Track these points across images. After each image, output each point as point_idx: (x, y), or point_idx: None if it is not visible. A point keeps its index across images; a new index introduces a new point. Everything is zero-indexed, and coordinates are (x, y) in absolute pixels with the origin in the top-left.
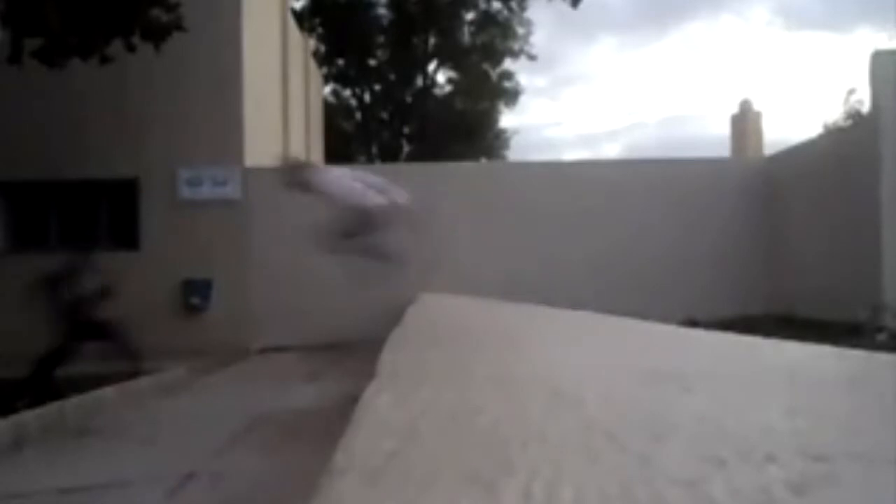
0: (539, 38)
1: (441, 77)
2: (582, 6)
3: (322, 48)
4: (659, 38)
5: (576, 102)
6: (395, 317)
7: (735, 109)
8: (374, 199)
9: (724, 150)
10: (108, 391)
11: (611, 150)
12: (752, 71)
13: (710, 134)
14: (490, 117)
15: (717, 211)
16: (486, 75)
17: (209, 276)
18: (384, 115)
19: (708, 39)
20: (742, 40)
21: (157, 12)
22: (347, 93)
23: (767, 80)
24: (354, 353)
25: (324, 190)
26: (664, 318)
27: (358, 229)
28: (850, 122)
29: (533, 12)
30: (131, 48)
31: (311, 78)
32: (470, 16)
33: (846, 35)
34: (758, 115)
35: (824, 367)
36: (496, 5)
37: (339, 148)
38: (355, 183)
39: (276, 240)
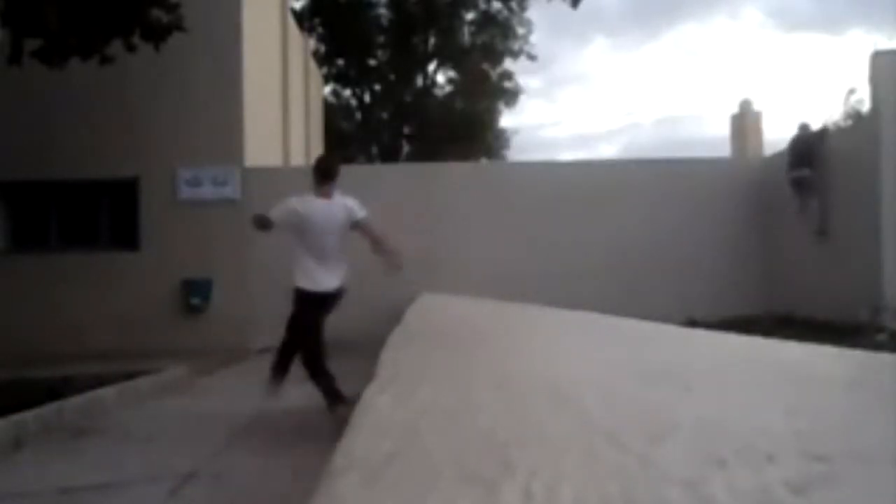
0: (534, 40)
1: (441, 77)
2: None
3: (322, 48)
4: (653, 39)
5: (572, 103)
6: (395, 317)
7: (731, 110)
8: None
9: (720, 151)
10: (108, 391)
11: (607, 151)
12: (747, 72)
13: (707, 134)
14: (490, 117)
15: (717, 211)
16: (486, 75)
17: (209, 276)
18: (384, 115)
19: (701, 41)
20: (736, 41)
21: (157, 12)
22: (347, 93)
23: (762, 80)
24: (354, 353)
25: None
26: (664, 318)
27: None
28: (850, 122)
29: (529, 13)
30: (131, 48)
31: (311, 78)
32: (470, 16)
33: (839, 36)
34: (758, 115)
35: (824, 367)
36: (496, 5)
37: (339, 148)
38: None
39: (276, 240)
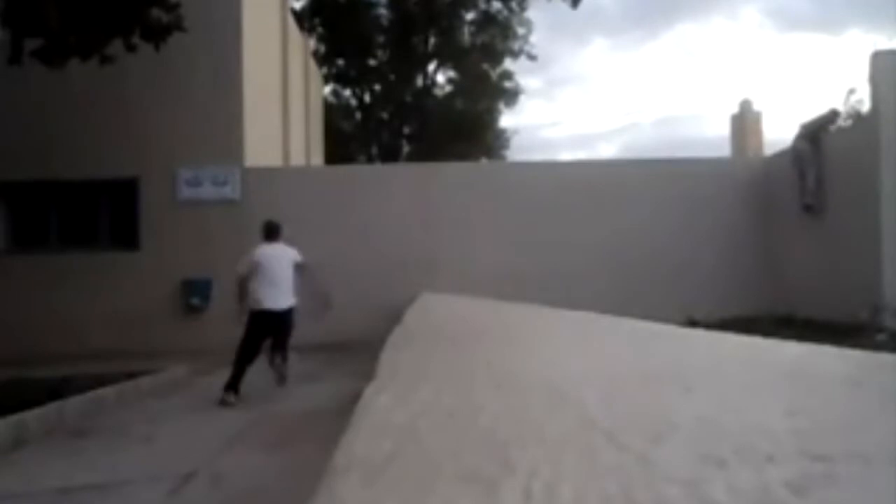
0: (534, 40)
1: (441, 77)
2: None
3: (322, 48)
4: (651, 39)
5: (571, 103)
6: (395, 317)
7: (730, 110)
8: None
9: (718, 151)
10: (108, 391)
11: (607, 151)
12: (746, 72)
13: (706, 134)
14: (490, 117)
15: (717, 211)
16: (486, 75)
17: (209, 276)
18: (384, 115)
19: (700, 41)
20: (735, 42)
21: (157, 12)
22: (347, 93)
23: (762, 80)
24: (354, 353)
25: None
26: (664, 318)
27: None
28: (850, 122)
29: (529, 13)
30: (131, 48)
31: (311, 78)
32: (470, 16)
33: (838, 36)
34: (758, 115)
35: (824, 367)
36: (496, 5)
37: (339, 148)
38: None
39: None
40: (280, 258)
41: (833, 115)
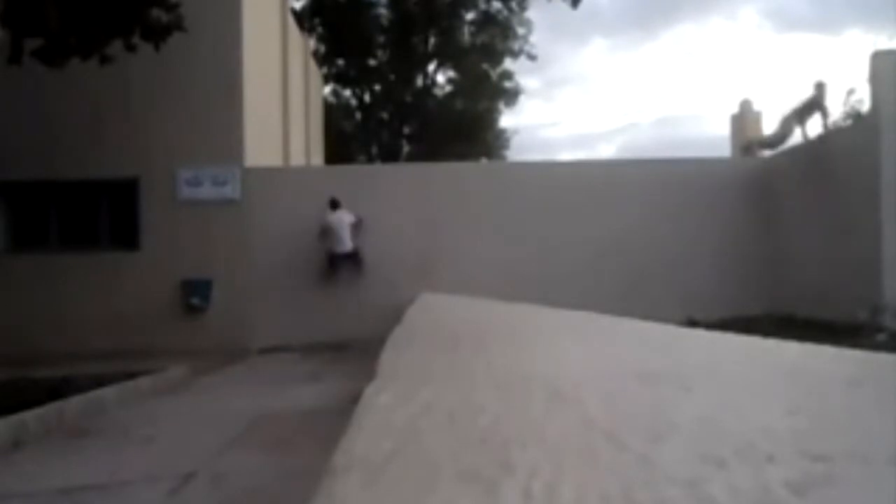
0: (533, 40)
1: (441, 77)
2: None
3: (322, 48)
4: (649, 40)
5: (570, 104)
6: (395, 317)
7: (729, 109)
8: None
9: (718, 151)
10: (108, 391)
11: (606, 151)
12: (746, 72)
13: (705, 134)
14: (490, 117)
15: (717, 210)
16: (486, 75)
17: (209, 276)
18: (384, 115)
19: (698, 42)
20: (734, 42)
21: (157, 12)
22: (347, 93)
23: (761, 81)
24: (354, 353)
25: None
26: (664, 318)
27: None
28: (849, 122)
29: (529, 13)
30: (131, 48)
31: (311, 78)
32: (470, 16)
33: (837, 36)
34: (758, 115)
35: (824, 367)
36: (496, 5)
37: (339, 148)
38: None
39: (276, 239)
40: (342, 220)
41: (820, 88)
